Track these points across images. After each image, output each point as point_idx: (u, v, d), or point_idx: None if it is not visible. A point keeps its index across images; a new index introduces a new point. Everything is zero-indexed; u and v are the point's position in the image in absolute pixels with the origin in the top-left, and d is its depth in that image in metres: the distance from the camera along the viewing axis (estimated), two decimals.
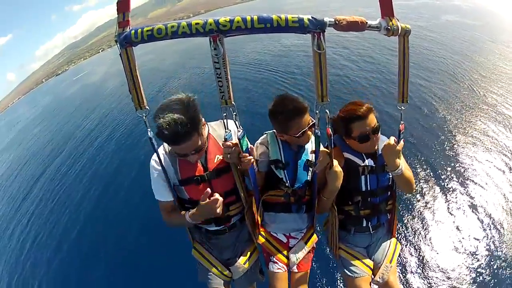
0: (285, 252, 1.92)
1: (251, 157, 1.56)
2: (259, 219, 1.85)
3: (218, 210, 1.57)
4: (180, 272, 3.86)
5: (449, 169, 5.35)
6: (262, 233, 1.90)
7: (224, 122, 1.51)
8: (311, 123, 1.68)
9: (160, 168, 1.64)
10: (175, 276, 4.32)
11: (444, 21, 15.60)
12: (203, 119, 1.66)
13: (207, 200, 1.56)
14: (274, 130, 1.82)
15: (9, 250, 6.86)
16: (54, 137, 14.84)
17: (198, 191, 1.68)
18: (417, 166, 5.46)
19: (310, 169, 1.78)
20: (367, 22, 1.36)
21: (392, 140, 1.64)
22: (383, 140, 1.85)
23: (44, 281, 5.40)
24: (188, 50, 23.07)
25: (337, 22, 1.31)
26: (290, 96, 1.72)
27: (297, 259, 1.89)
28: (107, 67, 39.42)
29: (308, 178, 1.79)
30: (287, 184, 1.77)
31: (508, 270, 3.71)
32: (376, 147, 1.84)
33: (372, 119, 1.72)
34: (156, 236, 5.08)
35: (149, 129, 1.48)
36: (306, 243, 1.94)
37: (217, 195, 1.56)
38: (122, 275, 4.94)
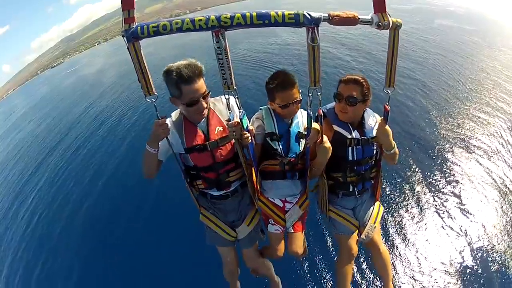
0: (281, 215, 2.12)
1: (249, 134, 1.74)
2: (258, 186, 2.04)
3: (164, 131, 1.69)
4: (190, 238, 4.13)
5: (429, 145, 5.93)
6: (261, 198, 2.10)
7: (224, 101, 1.68)
8: (297, 100, 1.87)
9: (169, 132, 1.76)
10: (185, 242, 4.58)
11: (437, 24, 16.12)
12: None
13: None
14: (268, 103, 2.02)
15: (16, 224, 7.04)
16: (57, 123, 14.92)
17: (201, 158, 1.90)
18: (403, 142, 5.94)
19: (302, 140, 1.97)
20: (359, 17, 1.46)
21: (380, 119, 1.84)
22: (369, 114, 2.04)
23: (51, 255, 5.58)
24: (184, 45, 23.12)
25: (330, 18, 1.41)
26: (284, 71, 1.91)
27: (292, 221, 2.11)
28: (104, 59, 39.27)
29: (300, 149, 1.98)
30: (281, 154, 1.95)
31: (476, 230, 4.16)
32: (363, 121, 2.02)
33: (352, 89, 1.88)
34: (165, 209, 5.43)
35: (157, 112, 1.64)
36: (300, 207, 2.13)
37: (161, 120, 1.68)
38: (133, 244, 5.12)
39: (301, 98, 1.90)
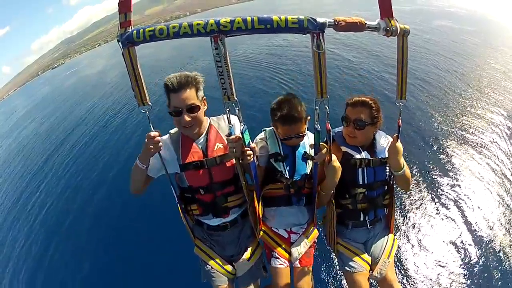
0: (286, 247, 1.93)
1: (250, 152, 1.60)
2: (260, 213, 1.86)
3: (155, 146, 1.57)
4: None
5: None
6: (263, 228, 1.93)
7: (226, 117, 1.55)
8: (300, 134, 1.75)
9: (162, 149, 1.65)
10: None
11: (435, 25, 16.03)
12: (203, 93, 1.71)
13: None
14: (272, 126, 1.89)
15: (23, 217, 7.10)
16: (61, 121, 14.93)
17: (197, 177, 1.77)
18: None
19: (308, 161, 1.82)
20: (366, 23, 1.39)
21: (394, 139, 1.71)
22: (380, 135, 1.93)
23: (61, 245, 5.63)
24: (185, 44, 23.13)
25: (336, 23, 1.33)
26: (292, 101, 1.74)
27: (299, 254, 1.90)
28: (105, 60, 39.37)
29: (307, 171, 1.83)
30: (286, 176, 1.80)
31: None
32: (374, 141, 1.91)
33: (360, 112, 1.78)
34: (174, 204, 5.20)
35: (150, 124, 1.54)
36: (307, 238, 1.96)
37: (153, 133, 1.57)
38: (141, 238, 5.08)
39: (305, 133, 1.78)
